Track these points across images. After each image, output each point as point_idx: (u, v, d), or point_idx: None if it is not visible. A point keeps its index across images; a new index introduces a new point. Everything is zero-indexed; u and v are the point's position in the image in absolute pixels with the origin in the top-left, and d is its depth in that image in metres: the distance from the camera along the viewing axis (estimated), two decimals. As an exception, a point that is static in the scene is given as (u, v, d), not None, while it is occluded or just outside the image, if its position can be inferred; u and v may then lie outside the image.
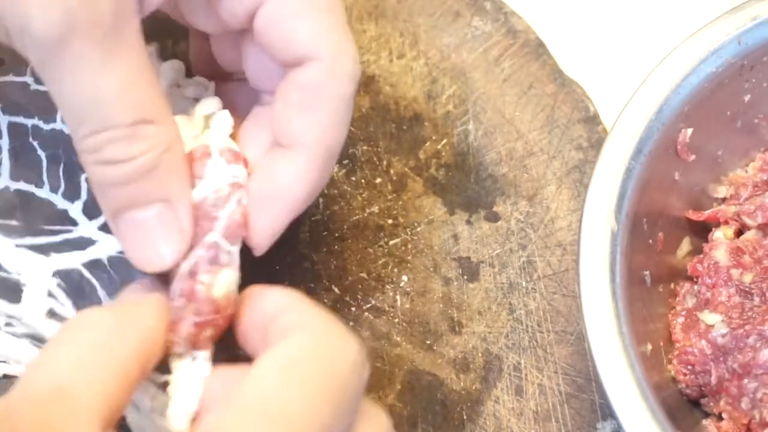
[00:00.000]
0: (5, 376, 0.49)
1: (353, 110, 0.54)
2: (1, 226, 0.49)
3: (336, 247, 0.52)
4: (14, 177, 0.50)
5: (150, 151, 0.40)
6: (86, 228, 0.49)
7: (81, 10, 0.38)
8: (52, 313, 0.48)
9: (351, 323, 0.51)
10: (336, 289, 0.51)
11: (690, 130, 0.47)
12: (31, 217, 0.50)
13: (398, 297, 0.51)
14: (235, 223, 0.42)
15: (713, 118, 0.48)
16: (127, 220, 0.42)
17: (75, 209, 0.50)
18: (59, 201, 0.50)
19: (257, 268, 0.51)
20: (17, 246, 0.49)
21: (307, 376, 0.36)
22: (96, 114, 0.40)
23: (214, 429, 0.35)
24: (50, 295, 0.48)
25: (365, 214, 0.53)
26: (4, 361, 0.49)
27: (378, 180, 0.53)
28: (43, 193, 0.50)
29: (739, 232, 0.49)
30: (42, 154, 0.51)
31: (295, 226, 0.52)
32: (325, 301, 0.51)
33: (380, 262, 0.52)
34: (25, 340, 0.48)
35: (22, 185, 0.50)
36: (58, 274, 0.48)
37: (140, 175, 0.41)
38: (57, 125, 0.51)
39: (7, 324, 0.48)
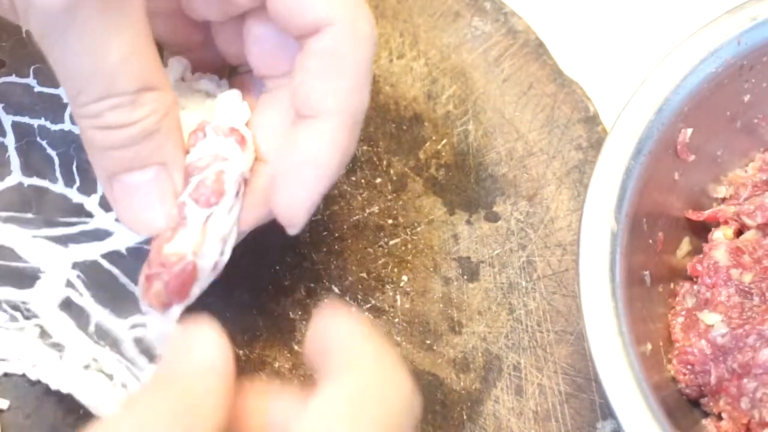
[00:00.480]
0: (6, 375, 0.49)
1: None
2: (16, 219, 0.49)
3: (336, 247, 0.52)
4: (26, 173, 0.51)
5: (151, 116, 0.41)
6: (103, 220, 0.49)
7: None
8: (66, 304, 0.48)
9: (351, 323, 0.51)
10: (336, 289, 0.51)
11: (690, 130, 0.47)
12: (47, 210, 0.50)
13: (398, 297, 0.51)
14: (205, 187, 0.43)
15: (713, 119, 0.48)
16: (123, 182, 0.43)
17: (91, 202, 0.50)
18: (75, 195, 0.50)
19: (257, 269, 0.51)
20: (34, 237, 0.49)
21: (372, 415, 0.35)
22: (99, 82, 0.40)
23: None
24: (69, 284, 0.48)
25: (365, 214, 0.53)
26: (5, 360, 0.49)
27: (378, 180, 0.53)
28: (58, 188, 0.50)
29: (739, 232, 0.49)
30: (53, 152, 0.51)
31: (295, 226, 0.52)
32: (325, 301, 0.51)
33: (380, 262, 0.52)
34: (28, 335, 0.48)
35: (36, 180, 0.51)
36: (77, 266, 0.48)
37: (141, 138, 0.42)
38: (65, 126, 0.51)
39: (12, 319, 0.48)
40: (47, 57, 0.41)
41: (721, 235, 0.49)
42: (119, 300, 0.48)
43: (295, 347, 0.50)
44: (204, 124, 0.44)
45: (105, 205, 0.49)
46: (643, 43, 0.58)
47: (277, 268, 0.51)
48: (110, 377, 0.48)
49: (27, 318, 0.48)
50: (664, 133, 0.46)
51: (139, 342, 0.47)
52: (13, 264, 0.49)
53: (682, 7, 0.59)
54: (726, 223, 0.49)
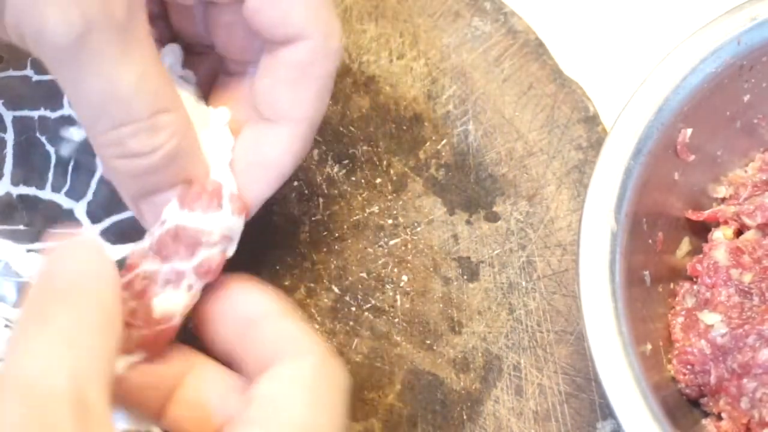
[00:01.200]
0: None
1: (354, 110, 0.54)
2: (10, 233, 0.49)
3: (336, 247, 0.52)
4: (15, 180, 0.51)
5: (171, 140, 0.42)
6: (89, 231, 0.49)
7: (97, 10, 0.39)
8: None
9: (351, 323, 0.51)
10: (336, 289, 0.51)
11: (689, 130, 0.47)
12: (37, 220, 0.50)
13: (398, 297, 0.51)
14: (209, 264, 0.43)
15: (713, 119, 0.48)
16: (150, 203, 0.44)
17: (80, 209, 0.50)
18: (64, 200, 0.50)
19: (258, 269, 0.51)
20: (29, 251, 0.49)
21: (328, 401, 0.39)
22: (116, 108, 0.41)
23: None
24: None
25: (365, 214, 0.53)
26: (3, 360, 0.49)
27: (378, 180, 0.53)
28: (46, 194, 0.50)
29: (739, 232, 0.49)
30: (51, 150, 0.51)
31: (295, 226, 0.52)
32: (325, 301, 0.51)
33: (380, 262, 0.52)
34: None
35: (23, 189, 0.51)
36: None
37: (165, 163, 0.42)
38: (65, 111, 0.51)
39: (6, 326, 0.48)
40: (61, 86, 0.41)
41: (720, 235, 0.49)
42: None
43: (295, 347, 0.50)
44: (219, 192, 0.44)
45: (92, 215, 0.50)
46: (643, 43, 0.58)
47: (277, 268, 0.51)
48: None
49: None
50: (663, 133, 0.46)
51: None
52: (9, 278, 0.49)
53: (682, 7, 0.59)
54: (726, 223, 0.49)
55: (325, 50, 0.44)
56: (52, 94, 0.51)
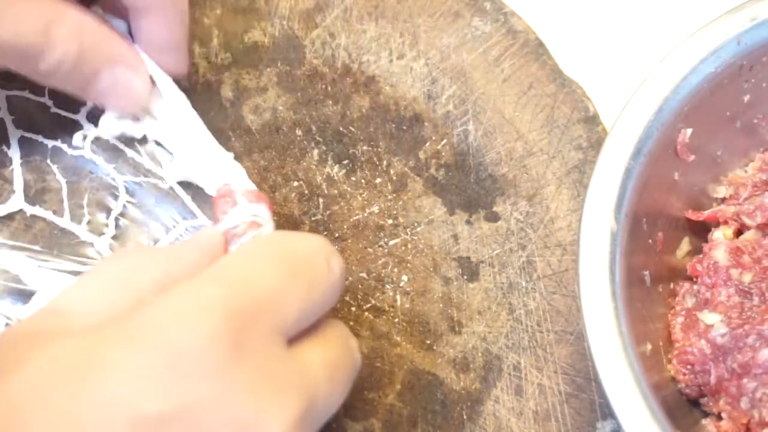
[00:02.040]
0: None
1: (354, 110, 0.54)
2: (24, 249, 0.49)
3: (336, 247, 0.52)
4: (29, 199, 0.51)
5: (70, 47, 0.46)
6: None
7: None
8: None
9: (351, 323, 0.51)
10: (336, 289, 0.51)
11: (689, 130, 0.47)
12: (54, 246, 0.50)
13: (398, 297, 0.51)
14: None
15: (713, 119, 0.48)
16: (95, 93, 0.48)
17: (101, 243, 0.50)
18: (83, 233, 0.50)
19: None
20: (40, 267, 0.49)
21: (261, 249, 0.40)
22: (12, 54, 0.45)
23: (167, 293, 0.37)
24: None
25: (365, 214, 0.53)
26: None
27: (378, 180, 0.53)
28: (64, 222, 0.50)
29: (739, 232, 0.49)
30: (62, 180, 0.51)
31: (295, 226, 0.52)
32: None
33: (380, 262, 0.52)
34: None
35: (39, 211, 0.51)
36: None
37: (76, 67, 0.46)
38: (86, 153, 0.51)
39: (6, 325, 0.48)
40: None
41: (720, 235, 0.49)
42: None
43: (295, 347, 0.50)
44: (231, 191, 0.46)
45: (116, 249, 0.50)
46: (643, 43, 0.58)
47: (277, 268, 0.51)
48: None
49: None
50: (663, 133, 0.46)
51: None
52: (13, 285, 0.49)
53: (682, 7, 0.59)
54: (726, 223, 0.49)
55: None
56: (69, 130, 0.52)
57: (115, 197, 0.51)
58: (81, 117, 0.52)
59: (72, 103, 0.51)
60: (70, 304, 0.38)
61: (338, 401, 0.40)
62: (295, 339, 0.39)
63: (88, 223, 0.50)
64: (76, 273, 0.49)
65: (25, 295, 0.49)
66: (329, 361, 0.40)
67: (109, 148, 0.51)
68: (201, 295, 0.37)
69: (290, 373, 0.38)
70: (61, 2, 0.46)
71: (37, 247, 0.50)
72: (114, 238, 0.50)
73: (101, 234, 0.50)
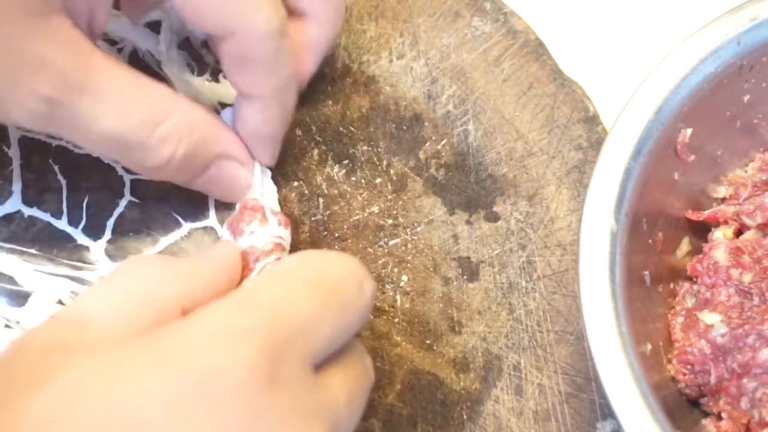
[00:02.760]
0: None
1: (354, 110, 0.54)
2: (19, 252, 0.49)
3: (336, 247, 0.52)
4: (28, 201, 0.51)
5: (180, 145, 0.45)
6: (107, 269, 0.50)
7: (58, 86, 0.41)
8: None
9: (351, 323, 0.51)
10: (336, 289, 0.51)
11: (689, 130, 0.47)
12: (50, 248, 0.50)
13: (398, 297, 0.51)
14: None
15: (713, 119, 0.48)
16: (199, 184, 0.48)
17: (97, 248, 0.50)
18: (80, 237, 0.50)
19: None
20: (36, 270, 0.49)
21: (293, 274, 0.39)
22: (115, 147, 0.44)
23: (197, 316, 0.37)
24: (60, 302, 0.48)
25: (365, 214, 0.53)
26: None
27: (378, 180, 0.53)
28: (62, 224, 0.50)
29: (739, 232, 0.49)
30: (63, 182, 0.51)
31: (295, 226, 0.52)
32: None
33: (380, 262, 0.52)
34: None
35: (37, 212, 0.51)
36: (74, 293, 0.48)
37: (185, 164, 0.45)
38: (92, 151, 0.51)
39: (6, 326, 0.48)
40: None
41: (720, 235, 0.49)
42: None
43: (295, 347, 0.50)
44: (261, 207, 0.46)
45: (111, 254, 0.50)
46: (643, 43, 0.58)
47: (277, 268, 0.51)
48: None
49: (22, 331, 0.49)
50: (663, 133, 0.46)
51: None
52: (8, 286, 0.48)
53: (682, 7, 0.59)
54: (726, 223, 0.49)
55: (253, 40, 0.45)
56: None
57: (118, 196, 0.51)
58: None
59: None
60: (92, 313, 0.37)
61: (356, 424, 0.40)
62: (319, 363, 0.39)
63: (86, 226, 0.50)
64: (72, 278, 0.49)
65: (21, 297, 0.48)
66: (350, 386, 0.40)
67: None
68: (237, 324, 0.36)
69: (318, 402, 0.37)
70: (171, 94, 0.45)
71: (33, 250, 0.49)
72: (110, 242, 0.50)
73: (98, 239, 0.50)
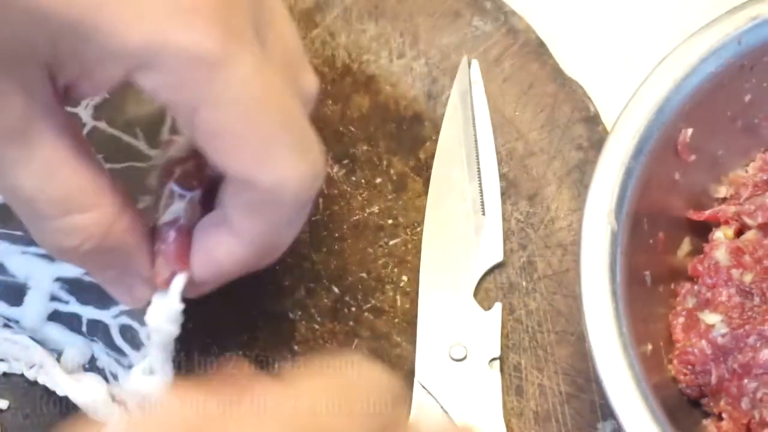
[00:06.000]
0: (5, 375, 0.49)
1: (354, 110, 0.54)
2: (7, 236, 0.49)
3: (336, 247, 0.52)
4: None
5: (86, 241, 0.40)
6: None
7: None
8: (54, 315, 0.48)
9: (351, 323, 0.51)
10: (336, 289, 0.51)
11: (690, 130, 0.47)
12: None
13: (398, 297, 0.51)
14: (191, 169, 0.43)
15: (713, 118, 0.48)
16: (93, 276, 0.44)
17: None
18: None
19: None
20: (23, 253, 0.49)
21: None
22: (22, 207, 0.40)
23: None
24: (54, 298, 0.48)
25: (365, 214, 0.53)
26: (3, 360, 0.49)
27: (378, 180, 0.53)
28: None
29: (740, 232, 0.49)
30: None
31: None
32: (325, 301, 0.51)
33: (380, 262, 0.52)
34: (24, 336, 0.48)
35: None
36: (60, 279, 0.48)
37: (85, 259, 0.41)
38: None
39: (5, 325, 0.48)
40: None
41: (721, 235, 0.49)
42: (102, 297, 0.46)
43: (295, 347, 0.50)
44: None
45: None
46: (643, 43, 0.58)
47: (277, 268, 0.51)
48: (102, 371, 0.48)
49: (21, 328, 0.48)
50: (664, 133, 0.46)
51: (125, 330, 0.47)
52: (2, 278, 0.48)
53: (682, 7, 0.59)
54: (726, 223, 0.49)
55: (275, 201, 0.39)
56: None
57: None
58: (81, 110, 0.51)
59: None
60: None
61: None
62: None
63: None
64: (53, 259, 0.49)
65: (15, 291, 0.48)
66: None
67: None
68: None
69: None
70: (107, 187, 0.40)
71: (19, 233, 0.49)
72: None
73: None
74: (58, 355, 0.48)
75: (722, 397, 0.46)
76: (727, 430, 0.45)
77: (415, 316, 0.51)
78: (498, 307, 0.50)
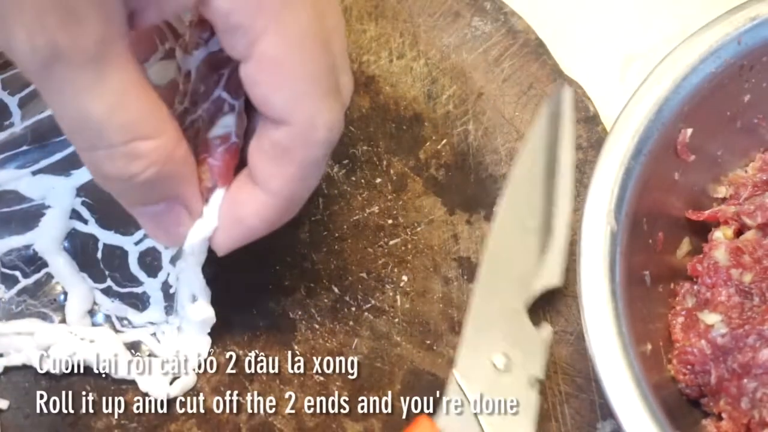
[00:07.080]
0: (5, 375, 0.49)
1: (354, 110, 0.54)
2: (12, 158, 0.48)
3: (336, 247, 0.52)
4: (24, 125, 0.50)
5: (149, 168, 0.41)
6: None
7: (64, 39, 0.37)
8: (72, 237, 0.49)
9: (351, 323, 0.51)
10: (336, 289, 0.51)
11: (690, 130, 0.47)
12: (40, 136, 0.49)
13: (398, 297, 0.51)
14: (236, 77, 0.43)
15: (713, 118, 0.48)
16: (139, 211, 0.45)
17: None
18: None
19: (258, 269, 0.51)
20: (34, 173, 0.48)
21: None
22: (87, 134, 0.40)
23: None
24: (74, 215, 0.48)
25: (365, 214, 0.53)
26: (3, 355, 0.49)
27: (378, 180, 0.53)
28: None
29: (739, 232, 0.49)
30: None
31: (295, 226, 0.52)
32: (325, 301, 0.51)
33: (380, 262, 0.52)
34: (30, 320, 0.49)
35: (30, 121, 0.50)
36: (82, 189, 0.48)
37: (142, 188, 0.42)
38: None
39: (14, 280, 0.48)
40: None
41: (721, 235, 0.49)
42: (123, 219, 0.47)
43: (295, 347, 0.50)
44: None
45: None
46: (643, 43, 0.58)
47: (277, 268, 0.51)
48: (109, 318, 0.49)
49: (30, 272, 0.48)
50: (664, 133, 0.46)
51: (144, 256, 0.49)
52: (17, 207, 0.48)
53: (682, 7, 0.59)
54: (726, 223, 0.49)
55: (306, 139, 0.42)
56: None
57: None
58: None
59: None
60: None
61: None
62: None
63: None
64: (68, 164, 0.49)
65: (30, 217, 0.49)
66: None
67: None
68: None
69: None
70: (168, 118, 0.42)
71: (24, 147, 0.48)
72: None
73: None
74: (62, 301, 0.49)
75: (722, 396, 0.46)
76: (727, 430, 0.45)
77: (415, 316, 0.51)
78: (548, 328, 0.49)
